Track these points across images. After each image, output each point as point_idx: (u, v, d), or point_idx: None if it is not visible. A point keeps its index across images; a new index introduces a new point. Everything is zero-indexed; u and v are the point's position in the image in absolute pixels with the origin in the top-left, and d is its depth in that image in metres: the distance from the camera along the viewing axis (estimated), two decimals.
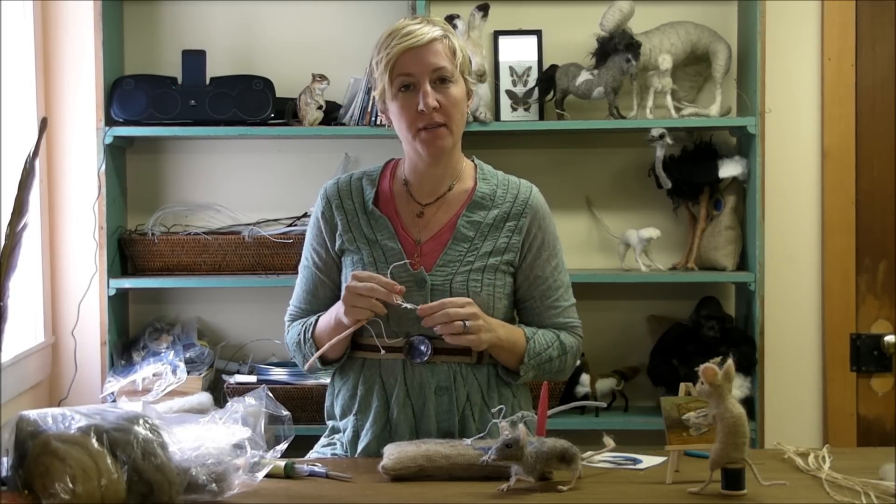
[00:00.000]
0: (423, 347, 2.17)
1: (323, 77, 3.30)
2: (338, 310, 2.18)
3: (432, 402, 2.18)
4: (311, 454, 2.31)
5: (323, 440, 2.35)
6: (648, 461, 2.04)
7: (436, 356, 2.18)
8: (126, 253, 3.39)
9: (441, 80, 2.18)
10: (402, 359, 2.19)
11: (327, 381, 3.22)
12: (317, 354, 2.20)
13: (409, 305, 2.11)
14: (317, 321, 2.26)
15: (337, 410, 2.30)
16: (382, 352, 2.15)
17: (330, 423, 2.34)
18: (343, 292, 2.15)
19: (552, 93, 3.36)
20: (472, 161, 2.35)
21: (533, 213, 2.27)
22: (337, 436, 2.30)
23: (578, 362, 2.34)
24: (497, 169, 2.36)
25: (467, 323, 2.10)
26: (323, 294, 2.31)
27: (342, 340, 2.17)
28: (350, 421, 2.25)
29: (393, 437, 2.18)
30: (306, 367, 2.25)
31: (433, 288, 2.19)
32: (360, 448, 2.22)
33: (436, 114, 2.17)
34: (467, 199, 2.27)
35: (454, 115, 2.20)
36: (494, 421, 1.99)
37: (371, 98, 3.27)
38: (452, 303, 2.11)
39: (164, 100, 3.29)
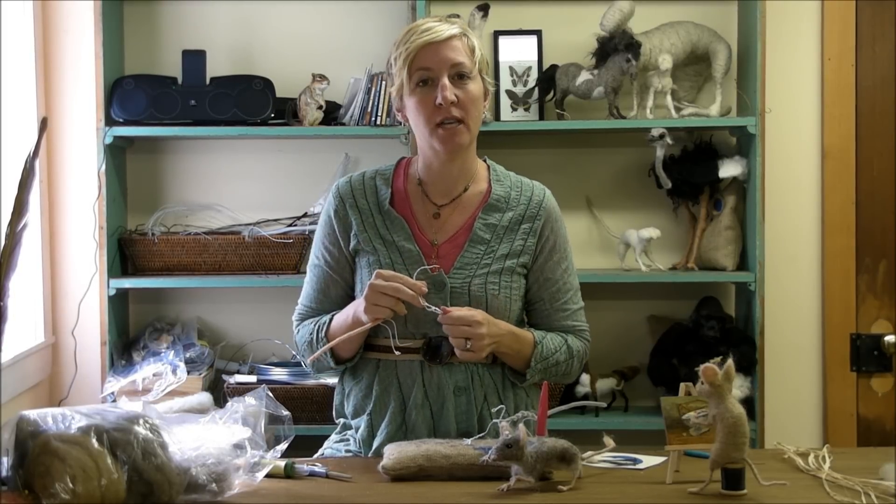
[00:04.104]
0: (443, 349, 2.16)
1: (323, 77, 3.30)
2: (356, 308, 2.15)
3: (451, 403, 2.17)
4: (324, 450, 2.30)
5: (335, 436, 2.32)
6: (648, 461, 2.04)
7: (452, 357, 2.17)
8: (126, 253, 3.39)
9: (459, 76, 2.17)
10: (420, 360, 2.17)
11: (329, 381, 3.22)
12: (325, 347, 2.16)
13: (432, 308, 2.10)
14: (331, 320, 2.23)
15: (349, 409, 2.27)
16: (397, 353, 2.13)
17: (340, 421, 2.31)
18: (366, 290, 2.11)
19: (552, 93, 3.36)
20: (485, 162, 2.34)
21: (547, 216, 2.27)
22: (349, 432, 2.28)
23: None
24: None
25: (469, 344, 2.10)
26: (335, 293, 2.28)
27: (356, 339, 2.15)
28: (364, 420, 2.23)
29: (409, 437, 2.16)
30: (315, 356, 2.20)
31: (452, 290, 2.17)
32: (374, 447, 2.20)
33: (454, 108, 2.15)
34: (482, 201, 2.26)
35: (472, 111, 2.18)
36: (495, 421, 1.99)
37: (371, 98, 3.28)
38: (467, 320, 2.10)
39: (164, 100, 3.29)
